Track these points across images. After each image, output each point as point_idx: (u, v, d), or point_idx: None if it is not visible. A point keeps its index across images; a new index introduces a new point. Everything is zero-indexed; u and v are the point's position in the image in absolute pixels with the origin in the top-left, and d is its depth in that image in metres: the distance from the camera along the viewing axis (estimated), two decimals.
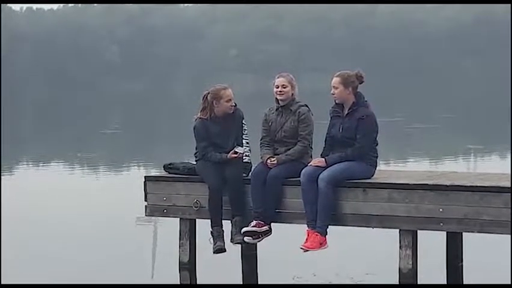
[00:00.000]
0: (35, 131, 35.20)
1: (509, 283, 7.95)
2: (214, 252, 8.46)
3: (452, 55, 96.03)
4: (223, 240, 8.44)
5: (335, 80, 8.27)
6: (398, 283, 7.96)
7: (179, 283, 8.50)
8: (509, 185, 7.61)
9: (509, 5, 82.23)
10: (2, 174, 17.73)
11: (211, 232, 8.46)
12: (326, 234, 8.07)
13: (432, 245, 8.62)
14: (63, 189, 15.59)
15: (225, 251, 8.46)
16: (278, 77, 8.57)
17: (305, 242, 8.06)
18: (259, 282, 8.54)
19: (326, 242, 8.07)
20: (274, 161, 8.35)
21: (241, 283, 8.50)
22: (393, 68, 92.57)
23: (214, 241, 8.43)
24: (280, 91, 8.48)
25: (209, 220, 8.49)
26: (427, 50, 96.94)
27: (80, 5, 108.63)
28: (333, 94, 8.28)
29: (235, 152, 8.47)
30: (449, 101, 48.83)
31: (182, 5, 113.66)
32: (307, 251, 8.06)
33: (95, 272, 8.86)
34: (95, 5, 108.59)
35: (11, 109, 46.96)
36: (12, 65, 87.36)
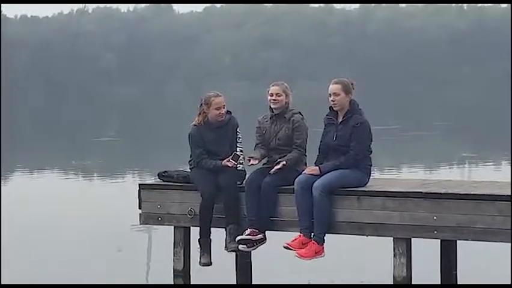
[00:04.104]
0: (30, 138, 35.13)
1: (509, 283, 7.99)
2: (201, 265, 8.48)
3: (450, 62, 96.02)
4: (210, 253, 8.45)
5: (336, 87, 8.19)
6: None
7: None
8: (503, 193, 7.62)
9: (507, 6, 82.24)
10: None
11: (199, 242, 8.45)
12: (323, 242, 8.05)
13: (426, 253, 8.63)
14: (58, 197, 15.57)
15: (210, 264, 8.47)
16: (273, 85, 8.56)
17: (299, 249, 8.01)
18: None
19: (323, 251, 8.04)
20: (255, 161, 8.33)
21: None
22: (389, 75, 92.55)
23: (200, 252, 8.43)
24: (274, 99, 8.48)
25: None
26: (424, 57, 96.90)
27: (75, 12, 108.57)
28: (333, 101, 8.19)
29: (233, 157, 8.44)
30: (446, 108, 48.82)
31: (177, 11, 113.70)
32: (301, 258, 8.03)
33: (90, 277, 8.88)
34: (90, 12, 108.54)
35: (6, 116, 46.85)
36: (8, 72, 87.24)
